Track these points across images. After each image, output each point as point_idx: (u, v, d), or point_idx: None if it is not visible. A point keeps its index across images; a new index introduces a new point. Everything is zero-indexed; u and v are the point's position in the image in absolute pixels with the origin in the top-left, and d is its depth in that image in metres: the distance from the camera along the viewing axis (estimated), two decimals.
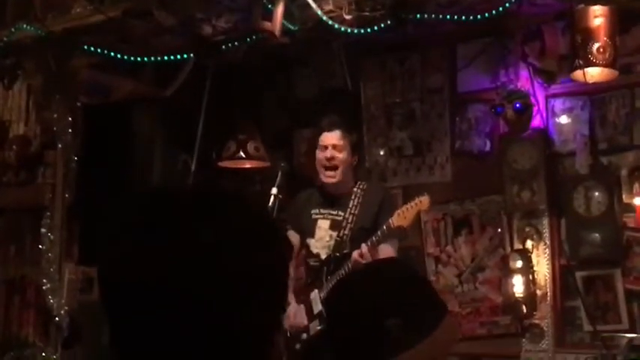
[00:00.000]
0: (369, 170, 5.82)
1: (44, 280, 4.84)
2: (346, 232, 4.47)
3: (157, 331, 1.05)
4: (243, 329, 1.07)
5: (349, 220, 4.49)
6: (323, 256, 4.50)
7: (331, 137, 4.52)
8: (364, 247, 4.23)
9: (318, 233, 4.54)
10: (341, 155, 4.49)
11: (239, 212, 1.13)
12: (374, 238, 4.30)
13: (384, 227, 4.31)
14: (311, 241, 4.55)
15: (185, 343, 1.05)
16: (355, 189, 4.55)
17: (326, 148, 4.51)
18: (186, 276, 1.04)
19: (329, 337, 1.95)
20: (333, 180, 4.51)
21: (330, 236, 4.52)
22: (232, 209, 1.12)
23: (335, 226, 4.52)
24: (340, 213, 4.52)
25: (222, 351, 1.06)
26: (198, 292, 1.04)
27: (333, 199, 4.57)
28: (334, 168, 4.50)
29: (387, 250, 4.32)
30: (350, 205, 4.50)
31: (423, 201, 4.35)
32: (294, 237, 4.58)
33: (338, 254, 4.44)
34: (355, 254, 4.24)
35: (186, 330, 1.04)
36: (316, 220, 4.56)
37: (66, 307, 4.84)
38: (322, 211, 4.58)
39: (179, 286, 1.04)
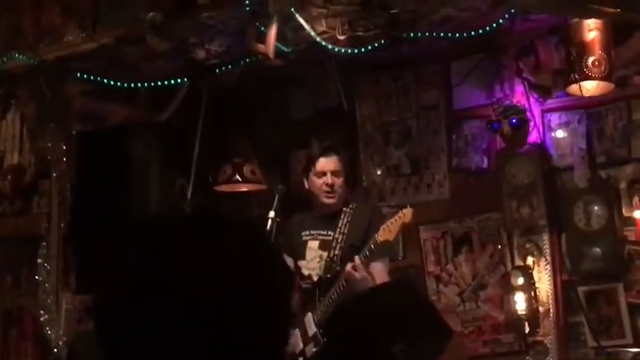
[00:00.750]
0: (367, 190, 5.79)
1: (41, 311, 4.79)
2: (336, 252, 4.45)
3: (153, 352, 1.02)
4: (243, 347, 1.05)
5: (339, 240, 4.47)
6: (314, 278, 4.47)
7: (328, 163, 4.51)
8: (357, 260, 4.21)
9: (309, 254, 4.52)
10: (339, 180, 4.50)
11: (237, 236, 1.10)
12: (364, 253, 4.27)
13: (371, 243, 4.29)
14: (302, 263, 4.52)
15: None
16: (345, 208, 4.54)
17: (324, 174, 4.50)
18: (184, 302, 1.02)
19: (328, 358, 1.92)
20: (334, 201, 4.51)
21: (320, 257, 4.50)
22: (230, 233, 1.10)
23: (324, 246, 4.50)
24: (330, 233, 4.50)
25: None
26: (197, 318, 1.02)
27: (321, 218, 4.56)
28: (333, 193, 4.49)
29: (377, 268, 4.30)
30: (339, 225, 4.49)
31: (406, 213, 4.32)
32: (287, 261, 4.54)
33: (329, 275, 4.41)
34: (348, 267, 4.21)
35: (184, 350, 1.02)
36: (306, 241, 4.54)
37: (64, 338, 4.79)
38: (312, 232, 4.56)
39: (178, 313, 1.02)
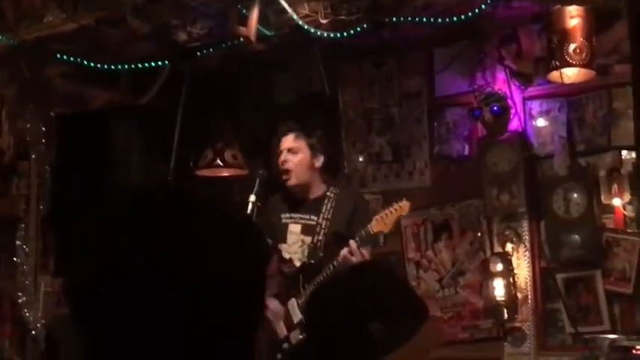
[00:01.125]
0: (349, 176, 5.80)
1: (19, 294, 4.75)
2: (320, 237, 4.44)
3: (130, 335, 1.01)
4: (220, 331, 1.04)
5: (323, 226, 4.46)
6: (296, 262, 4.46)
7: (285, 141, 4.55)
8: (353, 244, 4.20)
9: (290, 238, 4.51)
10: (295, 158, 4.49)
11: (218, 216, 1.09)
12: (357, 239, 4.26)
13: (363, 232, 4.28)
14: (283, 247, 4.51)
15: (159, 346, 1.01)
16: (328, 193, 4.53)
17: (281, 152, 4.51)
18: (160, 282, 1.00)
19: (310, 343, 1.92)
20: (289, 183, 4.50)
21: (302, 241, 4.48)
22: (210, 213, 1.09)
23: (307, 230, 4.49)
24: (313, 217, 4.49)
25: (200, 349, 1.02)
26: (172, 295, 1.01)
27: (303, 202, 4.55)
28: (287, 172, 4.49)
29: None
30: (323, 210, 4.48)
31: (403, 206, 4.33)
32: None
33: (313, 261, 4.40)
34: (345, 251, 4.19)
35: (160, 332, 1.00)
36: (287, 224, 4.53)
37: (42, 320, 4.76)
38: (293, 215, 4.55)
39: (154, 294, 1.00)
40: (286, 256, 4.50)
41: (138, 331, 1.01)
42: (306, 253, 4.47)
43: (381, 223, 4.30)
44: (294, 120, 4.85)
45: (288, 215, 4.55)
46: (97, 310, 1.02)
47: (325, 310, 1.82)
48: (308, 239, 4.48)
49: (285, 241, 4.50)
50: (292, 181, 4.50)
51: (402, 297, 1.84)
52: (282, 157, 4.52)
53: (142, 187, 1.20)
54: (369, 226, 4.30)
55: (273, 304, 4.44)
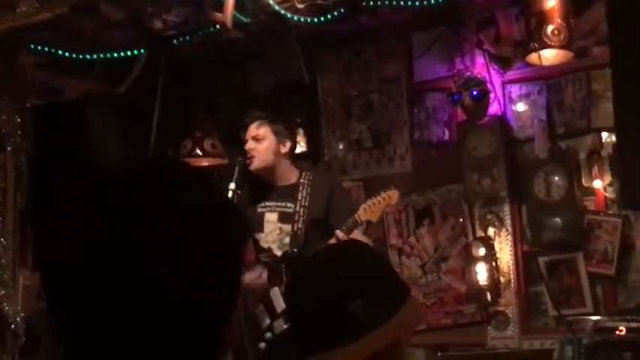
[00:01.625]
0: (329, 164, 5.78)
1: None
2: (300, 225, 4.42)
3: (104, 311, 0.98)
4: (196, 307, 1.00)
5: (301, 213, 4.44)
6: (276, 252, 4.43)
7: (250, 130, 4.56)
8: (340, 234, 4.19)
9: (267, 227, 4.49)
10: (260, 146, 4.49)
11: (192, 188, 1.06)
12: (344, 229, 4.25)
13: (350, 222, 4.27)
14: (260, 236, 4.48)
15: (135, 322, 0.98)
16: (302, 180, 4.52)
17: (246, 141, 4.54)
18: (133, 251, 0.97)
19: (293, 328, 1.89)
20: (251, 167, 4.50)
21: (280, 229, 4.46)
22: (185, 184, 1.06)
23: (284, 218, 4.47)
24: (289, 205, 4.47)
25: (175, 329, 0.99)
26: (147, 267, 0.97)
27: (275, 190, 4.53)
28: (252, 157, 4.50)
29: (358, 237, 4.27)
30: (299, 197, 4.46)
31: (392, 195, 4.32)
32: None
33: (295, 249, 4.37)
34: (333, 241, 4.18)
35: (135, 307, 0.97)
36: (263, 213, 4.51)
37: (22, 314, 4.71)
38: (268, 203, 4.52)
39: (127, 262, 0.97)
40: (264, 245, 4.47)
41: (108, 301, 0.97)
42: (285, 241, 4.44)
43: (368, 211, 4.28)
44: (270, 108, 4.84)
45: (262, 204, 4.53)
46: (68, 279, 0.99)
47: (305, 291, 1.79)
48: (286, 227, 4.46)
49: (262, 230, 4.48)
50: (254, 165, 4.50)
51: (382, 275, 1.81)
52: (247, 145, 4.54)
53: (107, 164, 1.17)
54: (356, 215, 4.28)
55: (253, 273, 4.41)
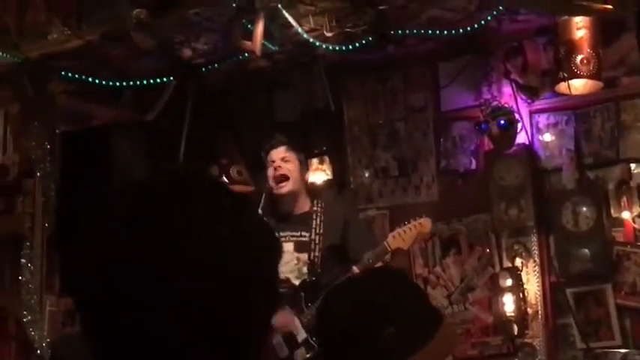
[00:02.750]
0: (355, 192, 5.76)
1: (24, 312, 4.71)
2: (316, 253, 4.41)
3: (135, 334, 0.96)
4: (230, 329, 0.99)
5: (316, 241, 4.43)
6: (294, 281, 4.41)
7: (277, 152, 4.58)
8: (356, 270, 4.18)
9: (284, 257, 4.45)
10: (289, 166, 4.51)
11: (224, 199, 1.04)
12: (367, 260, 4.22)
13: (379, 249, 4.24)
14: None
15: (167, 346, 0.96)
16: (315, 208, 4.53)
17: (274, 162, 4.53)
18: (167, 272, 0.96)
19: (323, 352, 1.87)
20: (285, 189, 4.50)
21: (298, 259, 4.45)
22: (217, 196, 1.04)
23: (300, 247, 4.46)
24: (304, 234, 4.46)
25: (207, 349, 0.98)
26: (179, 283, 0.96)
27: (289, 218, 4.53)
28: (284, 178, 4.50)
29: None
30: (313, 225, 4.46)
31: (424, 223, 4.30)
32: None
33: (314, 278, 4.36)
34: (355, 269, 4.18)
35: (167, 331, 0.96)
36: None
37: (47, 339, 4.72)
38: (283, 233, 4.49)
39: (161, 283, 0.96)
40: (281, 276, 4.45)
41: (140, 324, 0.96)
42: (303, 271, 4.43)
43: (398, 239, 4.26)
44: (296, 136, 4.87)
45: (279, 234, 4.50)
46: (101, 299, 0.98)
47: (338, 318, 1.77)
48: (303, 256, 4.45)
49: None
50: (288, 187, 4.51)
51: (416, 301, 1.79)
52: (275, 164, 4.54)
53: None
54: (385, 242, 4.26)
55: (284, 315, 4.40)
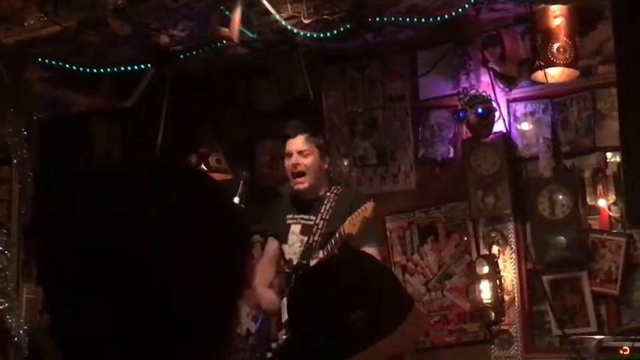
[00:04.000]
0: (334, 180, 5.76)
1: (1, 300, 4.69)
2: (316, 237, 4.42)
3: (99, 311, 0.97)
4: (195, 309, 0.99)
5: (319, 226, 4.43)
6: (294, 262, 4.44)
7: (295, 143, 4.49)
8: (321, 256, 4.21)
9: (291, 239, 4.50)
10: (307, 161, 4.46)
11: (195, 186, 1.05)
12: (328, 247, 4.25)
13: (337, 235, 4.27)
14: (285, 247, 4.49)
15: (130, 322, 0.97)
16: (329, 193, 4.51)
17: (291, 155, 4.48)
18: (133, 249, 0.96)
19: (294, 339, 1.88)
20: (303, 186, 4.48)
21: (302, 241, 4.47)
22: (188, 183, 1.04)
23: (305, 230, 4.47)
24: (312, 217, 4.47)
25: (171, 332, 0.98)
26: (145, 267, 0.96)
27: (306, 203, 4.52)
28: (301, 174, 4.46)
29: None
30: (322, 210, 4.45)
31: (367, 207, 4.30)
32: (273, 243, 4.56)
33: (306, 262, 4.37)
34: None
35: (131, 308, 0.96)
36: (289, 225, 4.52)
37: (25, 327, 4.70)
38: (295, 215, 4.54)
39: (125, 261, 0.96)
40: (287, 257, 4.48)
41: (104, 300, 0.96)
42: (300, 254, 4.45)
43: (349, 225, 4.27)
44: (275, 124, 4.83)
45: (291, 216, 4.54)
46: (67, 274, 0.98)
47: (306, 302, 1.78)
48: (306, 239, 4.46)
49: (286, 241, 4.49)
50: (306, 184, 4.47)
51: (385, 285, 1.80)
52: (292, 160, 4.47)
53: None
54: (341, 228, 4.28)
55: (269, 294, 4.42)
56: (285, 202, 4.64)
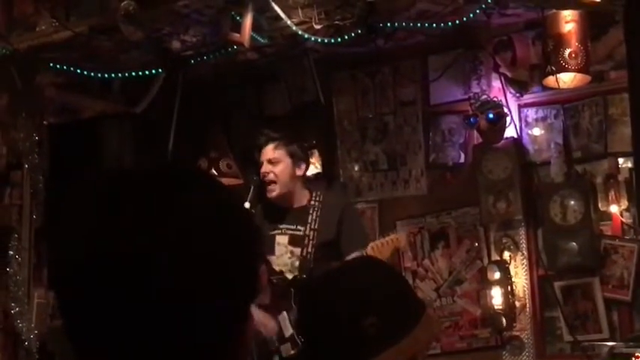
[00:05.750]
0: (344, 185, 5.77)
1: (12, 304, 4.70)
2: (309, 249, 4.40)
3: (111, 318, 0.96)
4: (212, 313, 0.99)
5: (311, 237, 4.41)
6: (287, 275, 4.41)
7: (265, 152, 4.52)
8: None
9: (278, 250, 4.46)
10: (276, 169, 4.46)
11: (207, 191, 1.04)
12: None
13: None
14: (272, 259, 4.46)
15: (142, 328, 0.96)
16: (312, 202, 4.50)
17: (262, 163, 4.49)
18: (145, 256, 0.96)
19: (305, 343, 1.87)
20: (272, 194, 4.47)
21: (291, 253, 4.44)
22: (201, 188, 1.04)
23: (295, 241, 4.45)
24: (299, 228, 4.45)
25: (188, 338, 0.98)
26: (158, 274, 0.96)
27: (287, 212, 4.51)
28: (271, 182, 4.45)
29: None
30: (309, 220, 4.44)
31: (400, 239, 4.31)
32: None
33: (305, 275, 4.35)
34: None
35: (143, 314, 0.96)
36: (274, 236, 4.47)
37: (35, 331, 4.71)
38: (279, 226, 4.49)
39: (138, 267, 0.95)
40: (276, 268, 4.45)
41: (115, 307, 0.96)
42: (296, 265, 4.42)
43: (376, 251, 4.25)
44: (286, 129, 4.82)
45: (274, 226, 4.50)
46: (78, 281, 0.98)
47: (319, 309, 1.77)
48: (297, 250, 4.44)
49: (273, 253, 4.46)
50: (275, 193, 4.47)
51: (398, 291, 1.80)
52: (263, 169, 4.49)
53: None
54: (363, 252, 4.26)
55: (265, 319, 4.39)
56: (263, 212, 4.59)
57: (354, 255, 4.26)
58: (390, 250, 4.24)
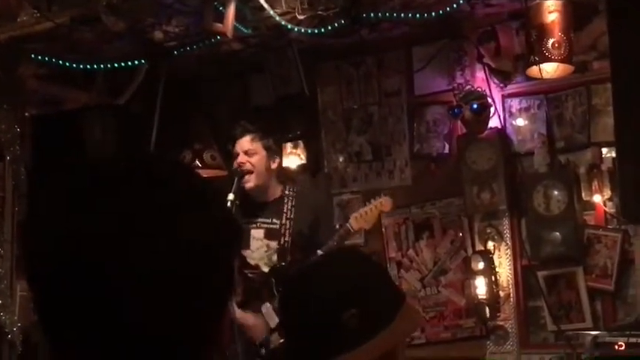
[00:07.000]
0: (330, 176, 5.76)
1: None
2: (286, 238, 4.42)
3: (84, 312, 0.96)
4: (185, 306, 0.98)
5: (287, 226, 4.43)
6: (263, 268, 4.42)
7: (241, 143, 4.54)
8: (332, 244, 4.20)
9: (254, 244, 4.47)
10: (252, 160, 4.48)
11: (185, 186, 1.03)
12: (332, 244, 4.24)
13: (342, 231, 4.25)
14: (247, 253, 4.46)
15: (117, 323, 0.95)
16: (287, 192, 4.52)
17: (238, 154, 4.48)
18: (120, 252, 0.95)
19: (286, 335, 1.87)
20: (250, 184, 4.47)
21: (268, 246, 4.45)
22: (178, 182, 1.03)
23: (271, 235, 4.46)
24: (275, 221, 4.47)
25: (158, 337, 0.97)
26: (133, 270, 0.95)
27: (262, 206, 4.51)
28: (249, 172, 4.46)
29: None
30: (285, 210, 4.46)
31: (384, 202, 4.30)
32: None
33: (284, 263, 4.36)
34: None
35: (117, 309, 0.95)
36: (249, 230, 4.48)
37: (19, 324, 4.69)
38: (253, 219, 4.51)
39: (112, 262, 0.95)
40: (251, 262, 4.45)
41: (90, 303, 0.95)
42: (273, 258, 4.44)
43: (361, 220, 4.26)
44: (267, 121, 4.84)
45: (247, 220, 4.50)
46: (53, 279, 0.97)
47: (298, 302, 1.77)
48: (273, 244, 4.45)
49: (248, 247, 4.46)
50: (251, 183, 4.48)
51: (377, 282, 1.79)
52: (238, 159, 4.50)
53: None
54: (347, 224, 4.26)
55: (250, 319, 4.38)
56: (236, 206, 4.58)
57: (331, 240, 4.28)
58: (375, 217, 4.26)
